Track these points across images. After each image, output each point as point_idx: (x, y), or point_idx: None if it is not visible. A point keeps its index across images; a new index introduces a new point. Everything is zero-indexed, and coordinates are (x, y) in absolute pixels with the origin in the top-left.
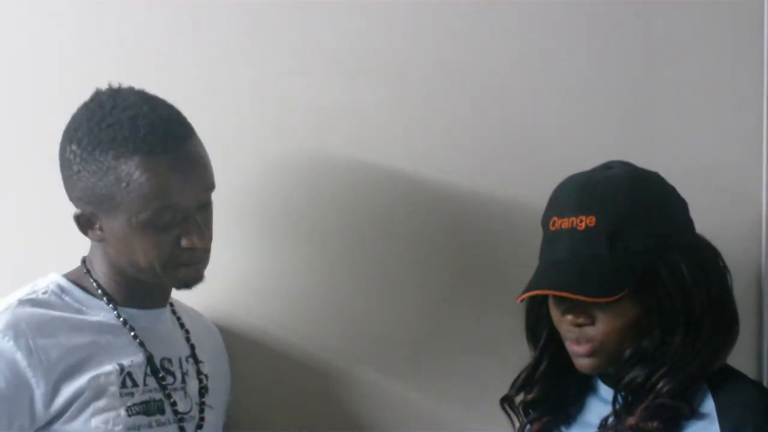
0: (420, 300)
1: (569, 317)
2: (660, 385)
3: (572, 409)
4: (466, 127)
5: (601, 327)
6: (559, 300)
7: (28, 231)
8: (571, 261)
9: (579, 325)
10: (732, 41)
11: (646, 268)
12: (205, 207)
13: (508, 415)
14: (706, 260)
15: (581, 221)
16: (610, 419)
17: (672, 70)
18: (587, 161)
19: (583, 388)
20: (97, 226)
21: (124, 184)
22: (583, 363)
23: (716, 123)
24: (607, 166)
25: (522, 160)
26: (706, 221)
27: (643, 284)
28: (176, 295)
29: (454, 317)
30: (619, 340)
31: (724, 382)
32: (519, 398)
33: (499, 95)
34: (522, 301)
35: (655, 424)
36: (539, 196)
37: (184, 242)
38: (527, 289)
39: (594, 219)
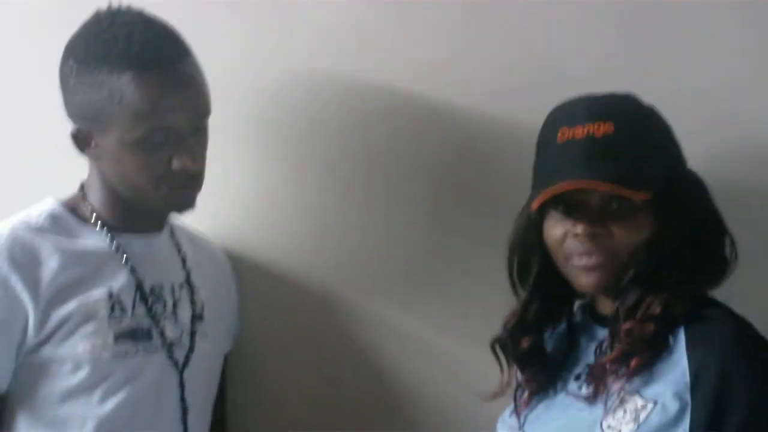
0: (425, 226)
1: (581, 226)
2: (651, 308)
3: (569, 354)
4: (475, 47)
5: (616, 238)
6: (570, 210)
7: (29, 156)
8: (590, 162)
9: (592, 237)
10: None
11: (664, 178)
12: (199, 132)
13: (498, 358)
14: (705, 190)
15: (598, 127)
16: (604, 344)
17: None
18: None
19: (574, 333)
20: (92, 143)
21: (116, 100)
22: (588, 280)
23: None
24: (610, 94)
25: (530, 84)
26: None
27: (660, 197)
28: (185, 219)
29: (458, 245)
30: (629, 256)
31: (701, 313)
32: (510, 343)
33: (509, 17)
34: (541, 204)
35: (651, 326)
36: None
37: (174, 163)
38: (544, 189)
39: (611, 126)
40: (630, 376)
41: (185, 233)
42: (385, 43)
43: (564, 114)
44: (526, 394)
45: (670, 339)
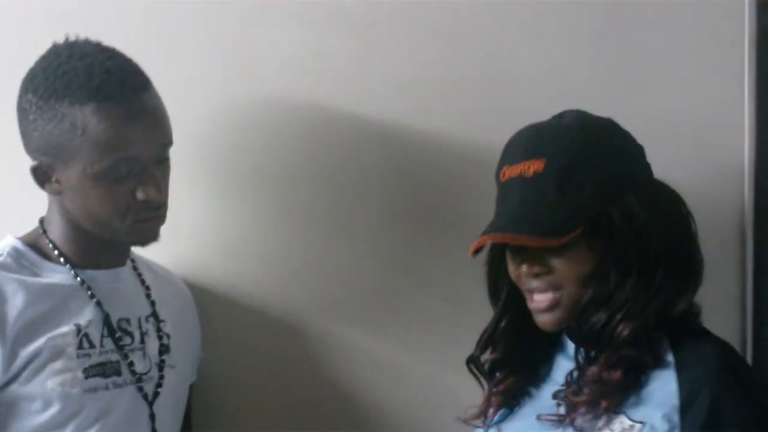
0: (393, 252)
1: (524, 267)
2: (617, 330)
3: (541, 368)
4: (435, 71)
5: (558, 276)
6: (514, 251)
7: None
8: (520, 208)
9: (536, 276)
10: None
11: (597, 210)
12: (162, 162)
13: (475, 376)
14: (664, 204)
15: (529, 167)
16: (575, 373)
17: (653, 19)
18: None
19: (551, 346)
20: (53, 178)
21: (79, 132)
22: (544, 319)
23: (697, 74)
24: (559, 116)
25: (495, 105)
26: (687, 174)
27: (596, 228)
28: (144, 252)
29: (429, 269)
30: (577, 289)
31: (686, 336)
32: (484, 357)
33: (471, 38)
34: (475, 254)
35: (617, 374)
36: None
37: (140, 194)
38: (478, 240)
39: (542, 164)
40: (602, 413)
41: (145, 265)
42: (346, 69)
43: (507, 149)
44: (494, 407)
45: (644, 378)
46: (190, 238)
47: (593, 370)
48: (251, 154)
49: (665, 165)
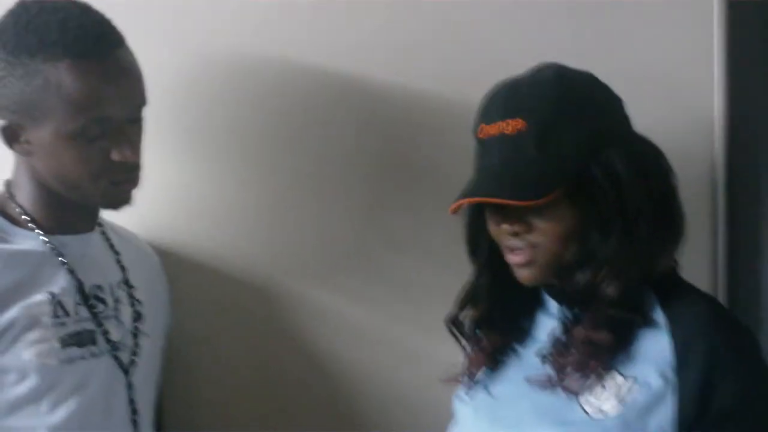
0: (365, 210)
1: (505, 226)
2: (602, 288)
3: (525, 325)
4: (408, 23)
5: (538, 234)
6: (494, 209)
7: None
8: (501, 167)
9: (516, 234)
10: None
11: (578, 167)
12: (137, 122)
13: (455, 336)
14: (645, 157)
15: (508, 125)
16: (557, 332)
17: None
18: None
19: (533, 303)
20: (23, 138)
21: (53, 90)
22: (521, 274)
23: (669, 27)
24: (536, 70)
25: (468, 57)
26: (658, 129)
27: (578, 185)
28: (108, 217)
29: (402, 227)
30: (557, 248)
31: (673, 292)
32: (465, 315)
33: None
34: (456, 211)
35: (604, 334)
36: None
37: (114, 155)
38: (456, 200)
39: (521, 122)
40: (591, 373)
41: (112, 229)
42: (315, 23)
43: (485, 107)
44: (477, 365)
45: (632, 336)
46: (155, 200)
47: (579, 330)
48: (217, 113)
49: (637, 120)
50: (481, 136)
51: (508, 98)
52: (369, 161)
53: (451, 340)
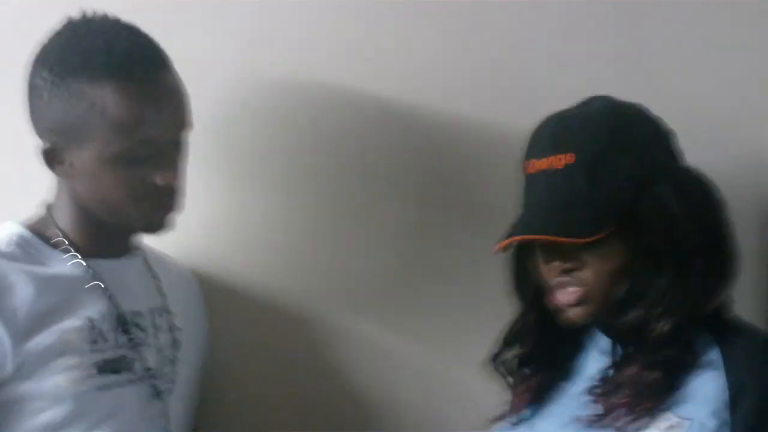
0: (407, 244)
1: (556, 263)
2: (656, 327)
3: (572, 363)
4: (454, 53)
5: (590, 271)
6: (544, 247)
7: None
8: (550, 202)
9: (567, 272)
10: None
11: (629, 202)
12: (181, 146)
13: (500, 374)
14: (697, 191)
15: (559, 160)
16: (610, 371)
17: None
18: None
19: (583, 340)
20: (66, 160)
21: (97, 112)
22: (570, 314)
23: (724, 58)
24: (585, 103)
25: (516, 91)
26: (710, 163)
27: (629, 221)
28: (148, 241)
29: (444, 261)
30: (608, 286)
31: (728, 330)
32: (510, 354)
33: (491, 21)
34: (505, 249)
35: (657, 374)
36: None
37: (157, 179)
38: (505, 237)
39: (572, 156)
40: (644, 415)
41: (153, 254)
42: (358, 52)
43: (534, 141)
44: (523, 403)
45: (685, 378)
46: (197, 227)
47: (631, 370)
48: (261, 142)
49: (691, 153)
50: (529, 171)
51: (557, 132)
52: (414, 194)
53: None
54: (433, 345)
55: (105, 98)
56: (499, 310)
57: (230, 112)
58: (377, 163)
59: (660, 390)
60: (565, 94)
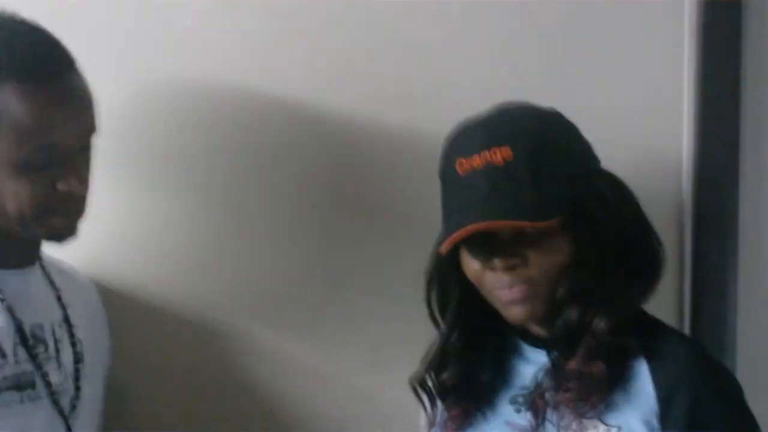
0: (313, 249)
1: (498, 261)
2: (596, 322)
3: (497, 377)
4: (364, 58)
5: (534, 267)
6: (478, 246)
7: None
8: (491, 196)
9: (510, 269)
10: None
11: (571, 197)
12: (87, 150)
13: (419, 397)
14: (625, 192)
15: (495, 154)
16: (540, 374)
17: (593, 12)
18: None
19: (504, 358)
20: None
21: None
22: (516, 312)
23: (636, 68)
24: (502, 106)
25: (427, 98)
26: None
27: (570, 215)
28: (48, 249)
29: (351, 265)
30: (552, 281)
31: (650, 333)
32: (435, 377)
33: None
34: (451, 245)
35: (599, 365)
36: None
37: (60, 185)
38: (451, 231)
39: (508, 150)
40: (589, 410)
41: (53, 264)
42: (269, 51)
43: (460, 143)
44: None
45: (627, 367)
46: (95, 232)
47: (572, 365)
48: (164, 141)
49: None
50: (460, 171)
51: (486, 130)
52: (317, 195)
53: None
54: (340, 352)
55: (6, 100)
56: (407, 315)
57: (137, 116)
58: (285, 168)
59: (605, 381)
60: (480, 104)
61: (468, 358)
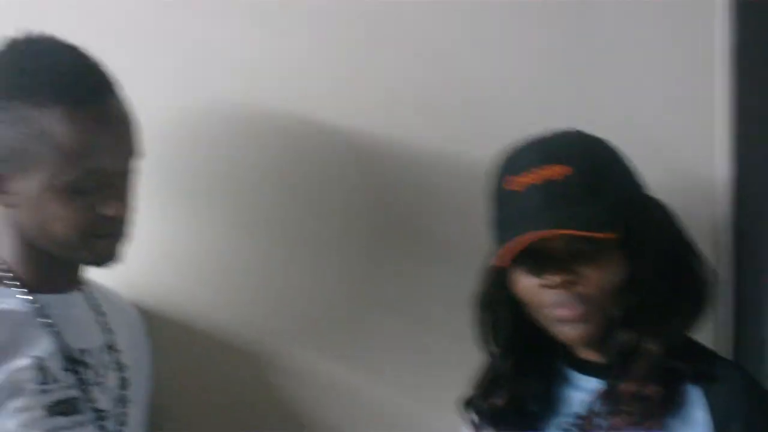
0: (360, 274)
1: (555, 277)
2: (649, 344)
3: (544, 409)
4: (404, 80)
5: (590, 285)
6: (535, 261)
7: None
8: (547, 209)
9: (567, 286)
10: (682, 9)
11: (626, 217)
12: (130, 175)
13: (472, 422)
14: (671, 213)
15: (553, 170)
16: (596, 398)
17: (621, 38)
18: (531, 129)
19: (551, 384)
20: (9, 188)
21: (45, 139)
22: (570, 331)
23: (667, 95)
24: (556, 130)
25: (464, 122)
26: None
27: (624, 234)
28: (92, 274)
29: (398, 291)
30: (606, 300)
31: (700, 360)
32: (486, 403)
33: (440, 51)
34: (508, 255)
35: (655, 388)
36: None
37: (105, 210)
38: (506, 241)
39: (567, 168)
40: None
41: (99, 289)
42: (310, 73)
43: (515, 162)
44: None
45: (682, 392)
46: (142, 257)
47: (627, 387)
48: (210, 168)
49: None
50: (514, 187)
51: (543, 148)
52: (366, 222)
53: (446, 407)
54: (388, 378)
55: (53, 124)
56: (447, 341)
57: (183, 141)
58: (332, 195)
59: (660, 403)
60: (517, 123)
61: (517, 383)
